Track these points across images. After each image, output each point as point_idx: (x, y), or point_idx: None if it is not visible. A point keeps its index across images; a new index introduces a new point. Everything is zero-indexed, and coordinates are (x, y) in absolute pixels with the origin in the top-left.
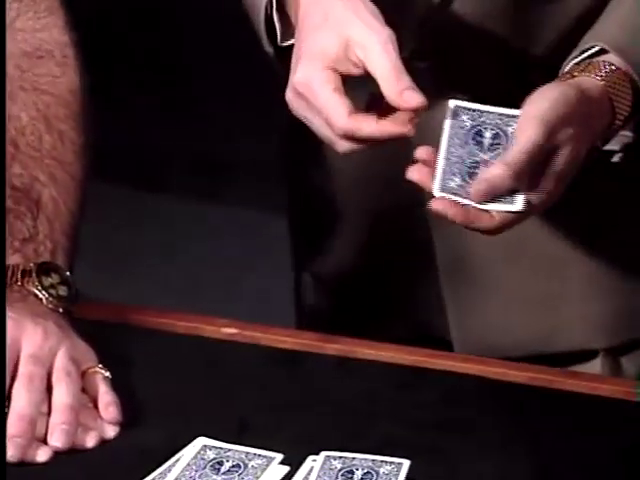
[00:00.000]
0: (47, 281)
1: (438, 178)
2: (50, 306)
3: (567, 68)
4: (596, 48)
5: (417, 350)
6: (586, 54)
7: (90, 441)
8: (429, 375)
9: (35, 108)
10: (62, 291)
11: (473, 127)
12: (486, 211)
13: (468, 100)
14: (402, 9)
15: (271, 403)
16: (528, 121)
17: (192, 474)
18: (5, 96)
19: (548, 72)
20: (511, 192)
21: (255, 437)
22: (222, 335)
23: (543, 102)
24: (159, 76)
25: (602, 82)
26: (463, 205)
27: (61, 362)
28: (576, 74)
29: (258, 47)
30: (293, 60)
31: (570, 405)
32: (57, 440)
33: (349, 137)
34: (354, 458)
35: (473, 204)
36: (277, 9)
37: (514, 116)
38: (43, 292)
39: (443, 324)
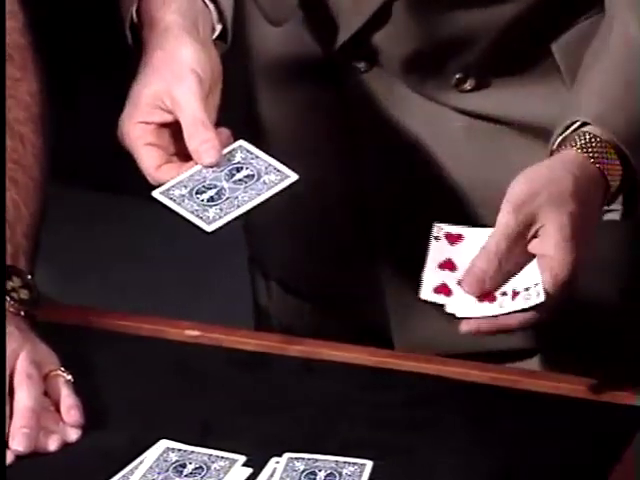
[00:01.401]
0: (8, 285)
1: (170, 183)
2: (11, 310)
3: (552, 144)
4: (578, 122)
5: (380, 351)
6: (570, 129)
7: (52, 444)
8: (392, 376)
9: None
10: (23, 294)
11: (236, 163)
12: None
13: None
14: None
15: (234, 405)
16: (502, 206)
17: (155, 476)
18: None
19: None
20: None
21: (218, 439)
22: (185, 337)
23: (512, 185)
24: (118, 75)
25: (583, 153)
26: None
27: (22, 365)
28: (556, 148)
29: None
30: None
31: (532, 404)
32: (19, 444)
33: None
34: (317, 460)
35: (493, 313)
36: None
37: None
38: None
39: (385, 322)
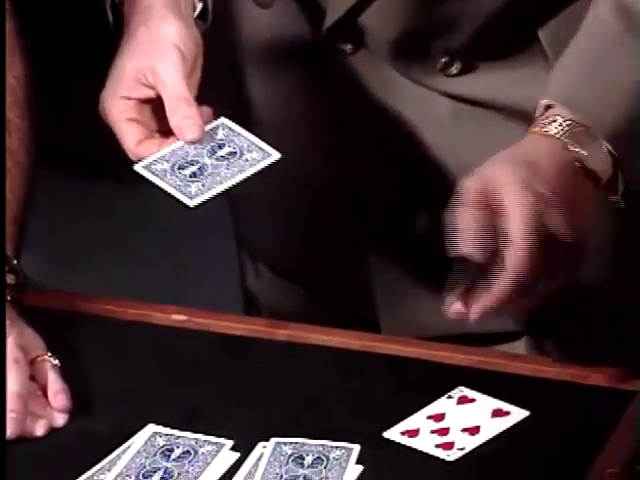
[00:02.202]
0: None
1: (152, 157)
2: None
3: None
4: (548, 103)
5: (367, 335)
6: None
7: (39, 429)
8: (379, 360)
9: None
10: (10, 279)
11: (219, 140)
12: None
13: None
14: None
15: (221, 390)
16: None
17: (142, 461)
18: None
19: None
20: None
21: (205, 424)
22: (172, 322)
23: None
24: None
25: (553, 134)
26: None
27: (9, 350)
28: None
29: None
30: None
31: (520, 388)
32: (6, 429)
33: None
34: (304, 444)
35: None
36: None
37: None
38: None
39: (372, 306)
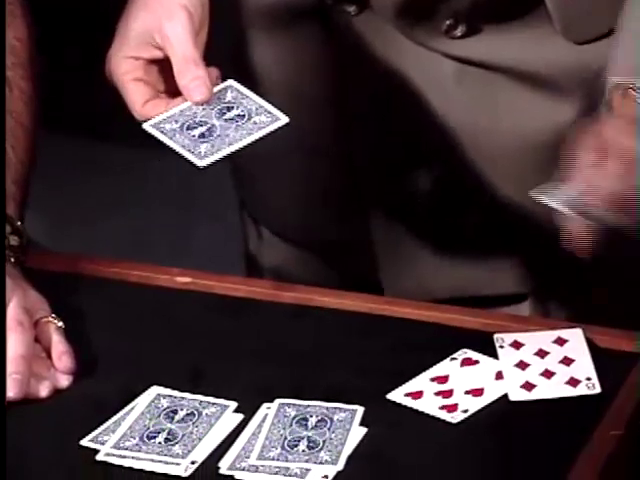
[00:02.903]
0: None
1: (161, 116)
2: None
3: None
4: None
5: (373, 297)
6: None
7: (43, 391)
8: (385, 322)
9: None
10: (13, 241)
11: (227, 102)
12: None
13: None
14: None
15: (225, 352)
16: None
17: (146, 422)
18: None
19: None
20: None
21: (209, 386)
22: (175, 284)
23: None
24: (108, 23)
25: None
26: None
27: (13, 312)
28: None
29: None
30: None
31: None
32: (10, 390)
33: None
34: (308, 405)
35: None
36: None
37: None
38: None
39: (374, 270)
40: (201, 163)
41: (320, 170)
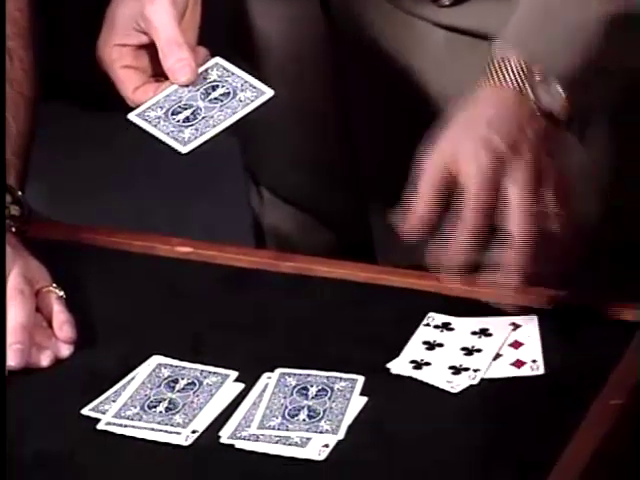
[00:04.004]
0: None
1: (146, 104)
2: None
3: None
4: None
5: (372, 267)
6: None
7: (45, 360)
8: (385, 292)
9: None
10: (14, 211)
11: (212, 81)
12: None
13: None
14: None
15: (226, 322)
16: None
17: (147, 392)
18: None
19: None
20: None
21: (210, 355)
22: (176, 254)
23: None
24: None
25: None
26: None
27: (14, 281)
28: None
29: None
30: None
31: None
32: (11, 359)
33: None
34: (309, 375)
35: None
36: None
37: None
38: None
39: (369, 240)
40: (184, 149)
41: (318, 138)
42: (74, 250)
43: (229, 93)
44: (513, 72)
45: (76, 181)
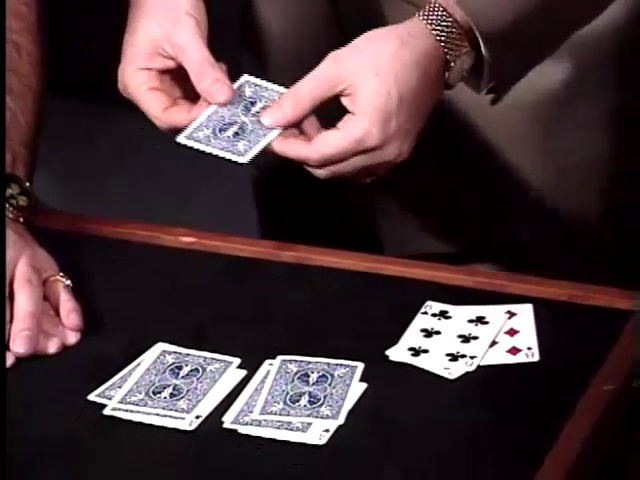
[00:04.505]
0: (7, 192)
1: (191, 126)
2: (10, 216)
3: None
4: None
5: (373, 257)
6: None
7: (52, 347)
8: (384, 281)
9: None
10: (22, 201)
11: (249, 98)
12: None
13: None
14: None
15: (229, 310)
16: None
17: (152, 378)
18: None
19: None
20: None
21: (213, 343)
22: (180, 244)
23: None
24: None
25: (431, 29)
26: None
27: (22, 270)
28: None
29: None
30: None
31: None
32: (20, 346)
33: (173, 129)
34: (309, 362)
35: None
36: None
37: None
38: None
39: (374, 229)
40: (243, 159)
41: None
42: (80, 240)
43: (269, 105)
44: (447, 23)
45: (81, 171)
